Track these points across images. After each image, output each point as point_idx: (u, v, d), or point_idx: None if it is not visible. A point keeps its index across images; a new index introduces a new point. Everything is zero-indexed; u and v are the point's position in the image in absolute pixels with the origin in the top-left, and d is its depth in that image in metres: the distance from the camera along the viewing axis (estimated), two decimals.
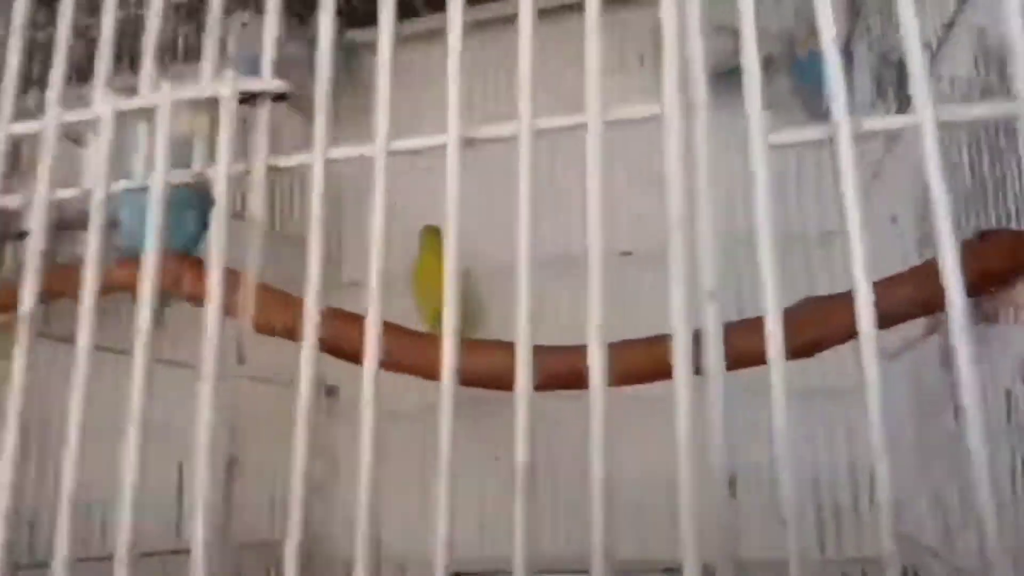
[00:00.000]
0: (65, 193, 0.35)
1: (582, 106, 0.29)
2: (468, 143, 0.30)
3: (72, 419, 0.36)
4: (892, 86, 1.02)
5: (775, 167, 0.29)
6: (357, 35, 1.50)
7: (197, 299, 0.78)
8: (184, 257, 0.88)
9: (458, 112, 0.30)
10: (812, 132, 0.29)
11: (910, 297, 0.63)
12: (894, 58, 1.00)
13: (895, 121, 0.28)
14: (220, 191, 0.32)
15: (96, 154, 0.33)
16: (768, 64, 1.32)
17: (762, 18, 1.12)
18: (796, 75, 1.22)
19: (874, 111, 1.10)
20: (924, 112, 0.27)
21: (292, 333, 0.55)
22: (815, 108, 1.24)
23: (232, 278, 0.78)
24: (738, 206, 1.30)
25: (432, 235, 1.28)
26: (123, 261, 0.90)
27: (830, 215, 1.28)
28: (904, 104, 0.98)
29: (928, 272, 0.65)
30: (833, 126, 0.28)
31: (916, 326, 0.91)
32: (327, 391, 1.36)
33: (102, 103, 0.34)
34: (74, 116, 0.35)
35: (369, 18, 1.39)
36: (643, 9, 1.37)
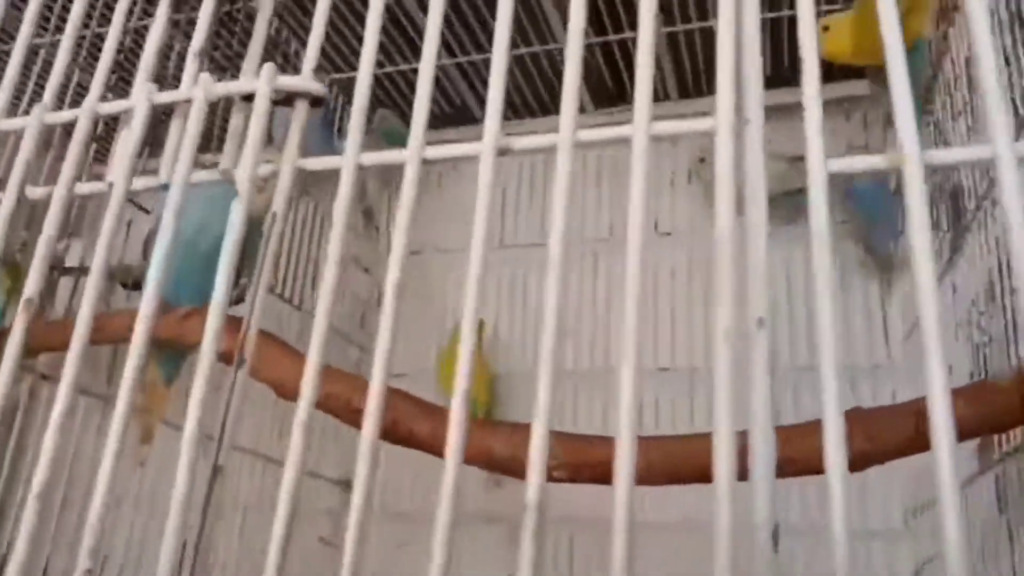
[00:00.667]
0: (84, 187, 0.34)
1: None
2: (503, 152, 0.28)
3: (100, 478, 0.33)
4: (947, 215, 1.00)
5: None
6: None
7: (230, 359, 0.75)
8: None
9: (497, 120, 0.29)
10: (875, 160, 0.27)
11: (963, 415, 0.59)
12: (948, 187, 0.98)
13: (965, 153, 0.26)
14: (243, 189, 0.31)
15: (123, 146, 0.32)
16: None
17: (836, 145, 1.11)
18: (852, 203, 1.21)
19: (936, 239, 1.07)
20: (1001, 143, 0.25)
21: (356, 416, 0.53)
22: (866, 236, 1.22)
23: (285, 350, 0.76)
24: (801, 337, 1.25)
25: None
26: (166, 311, 0.88)
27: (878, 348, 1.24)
28: (959, 234, 0.95)
29: (983, 390, 0.61)
30: (897, 155, 0.26)
31: (970, 463, 0.85)
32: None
33: (138, 94, 0.33)
34: (109, 107, 0.34)
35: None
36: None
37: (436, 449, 0.70)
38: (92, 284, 0.34)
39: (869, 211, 1.21)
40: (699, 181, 1.34)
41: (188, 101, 0.33)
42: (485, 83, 1.39)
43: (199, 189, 0.34)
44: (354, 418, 0.69)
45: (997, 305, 0.73)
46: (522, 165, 1.51)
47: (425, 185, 1.58)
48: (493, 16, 0.28)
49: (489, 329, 1.34)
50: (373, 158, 0.31)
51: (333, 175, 0.30)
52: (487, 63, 1.30)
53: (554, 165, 0.26)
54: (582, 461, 0.60)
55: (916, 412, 0.57)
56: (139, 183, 0.33)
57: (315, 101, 0.32)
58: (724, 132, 0.26)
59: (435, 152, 0.30)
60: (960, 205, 0.95)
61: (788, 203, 1.31)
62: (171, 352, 0.80)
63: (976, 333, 0.81)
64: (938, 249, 1.03)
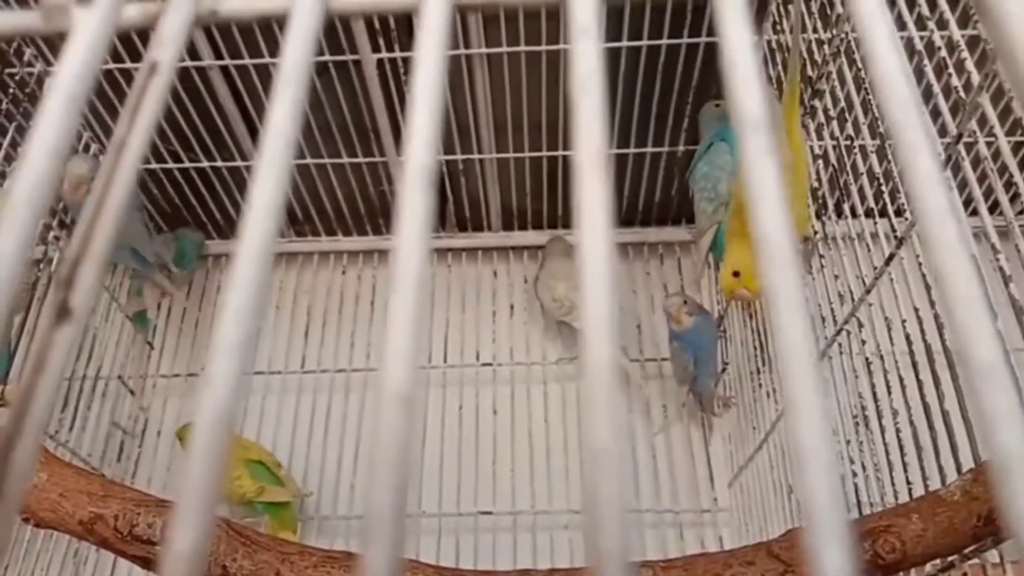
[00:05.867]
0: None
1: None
2: None
3: None
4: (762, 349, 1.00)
5: None
6: (216, 245, 1.38)
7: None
8: None
9: None
10: None
11: (921, 535, 0.51)
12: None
13: None
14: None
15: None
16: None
17: (649, 287, 1.07)
18: (676, 343, 1.19)
19: (758, 378, 1.06)
20: None
21: None
22: (690, 375, 1.20)
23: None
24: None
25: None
26: None
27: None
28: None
29: (936, 503, 0.53)
30: None
31: None
32: None
33: None
34: None
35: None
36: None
37: None
38: None
39: (694, 349, 1.19)
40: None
41: None
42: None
43: None
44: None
45: (873, 432, 0.69)
46: (334, 284, 1.38)
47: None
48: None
49: (283, 466, 1.17)
50: None
51: None
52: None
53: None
54: None
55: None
56: None
57: None
58: None
59: None
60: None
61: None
62: None
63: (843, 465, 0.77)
64: (772, 388, 1.02)
